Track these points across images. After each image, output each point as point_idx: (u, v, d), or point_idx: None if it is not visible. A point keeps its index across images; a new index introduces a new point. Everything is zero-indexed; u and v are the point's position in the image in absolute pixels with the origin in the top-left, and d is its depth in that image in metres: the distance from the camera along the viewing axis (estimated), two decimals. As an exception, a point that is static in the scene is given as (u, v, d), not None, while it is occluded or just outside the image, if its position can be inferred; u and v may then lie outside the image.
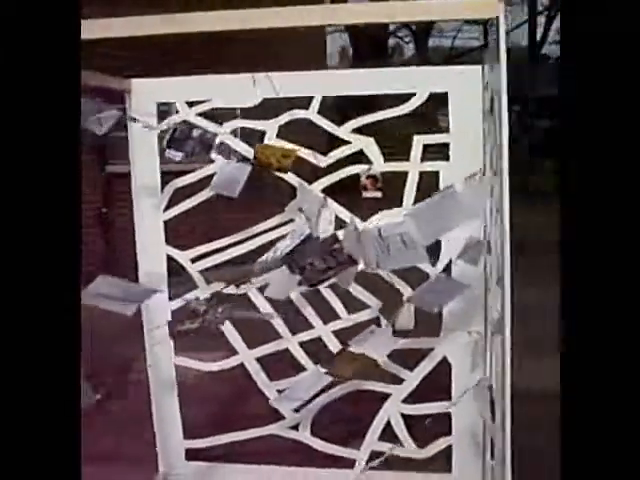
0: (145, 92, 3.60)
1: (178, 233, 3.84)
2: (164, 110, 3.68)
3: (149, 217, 3.64)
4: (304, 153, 3.50)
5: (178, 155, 3.15)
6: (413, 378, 3.53)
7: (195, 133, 3.09)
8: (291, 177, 3.46)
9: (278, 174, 3.35)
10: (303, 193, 3.32)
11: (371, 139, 3.45)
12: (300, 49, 10.73)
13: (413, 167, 3.45)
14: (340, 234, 3.04)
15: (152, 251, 3.64)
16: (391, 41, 27.78)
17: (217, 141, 3.51)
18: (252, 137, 3.57)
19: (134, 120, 3.32)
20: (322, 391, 3.49)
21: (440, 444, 3.51)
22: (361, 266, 2.91)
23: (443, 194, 2.60)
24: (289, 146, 3.39)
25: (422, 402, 3.53)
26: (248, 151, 3.37)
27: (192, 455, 3.76)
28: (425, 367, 3.51)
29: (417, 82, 3.34)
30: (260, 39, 7.67)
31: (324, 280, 2.89)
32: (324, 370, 3.22)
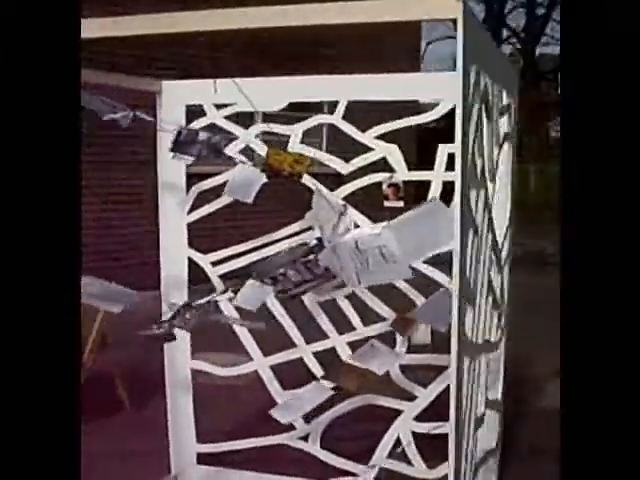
0: (174, 94, 3.61)
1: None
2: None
3: (173, 219, 3.64)
4: (326, 159, 3.45)
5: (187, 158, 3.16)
6: (426, 396, 3.40)
7: (201, 137, 3.06)
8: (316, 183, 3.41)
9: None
10: (318, 200, 3.26)
11: (394, 146, 3.35)
12: (391, 52, 10.72)
13: (436, 177, 3.33)
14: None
15: (174, 253, 3.64)
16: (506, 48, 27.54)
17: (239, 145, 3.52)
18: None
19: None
20: (333, 404, 3.43)
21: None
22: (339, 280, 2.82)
23: (427, 207, 2.48)
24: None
25: (435, 421, 3.40)
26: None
27: (204, 459, 3.75)
28: (439, 385, 3.38)
29: (444, 88, 3.21)
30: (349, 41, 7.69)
31: (301, 293, 2.82)
32: (329, 384, 3.13)
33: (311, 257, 2.76)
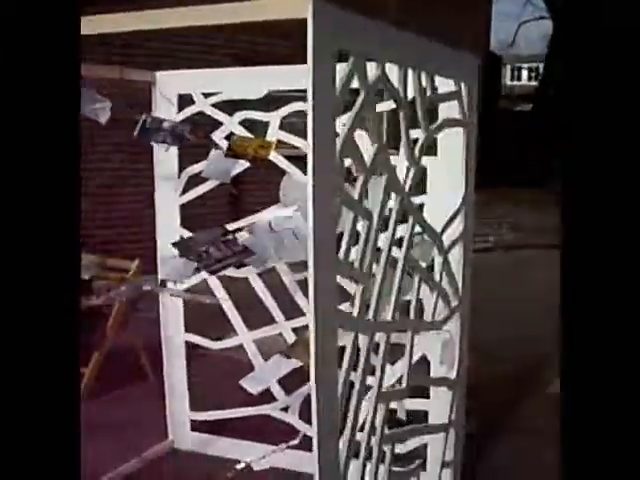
0: (168, 84, 3.83)
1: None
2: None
3: (168, 201, 3.89)
4: (300, 144, 3.61)
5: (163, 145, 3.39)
6: (395, 372, 3.52)
7: (166, 125, 3.28)
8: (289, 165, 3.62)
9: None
10: (288, 181, 3.43)
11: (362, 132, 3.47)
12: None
13: (401, 161, 3.45)
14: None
15: (169, 232, 3.88)
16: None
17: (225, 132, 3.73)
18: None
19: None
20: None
21: (417, 441, 3.49)
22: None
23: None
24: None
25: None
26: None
27: (196, 426, 4.01)
28: (405, 363, 3.50)
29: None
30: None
31: (222, 268, 3.01)
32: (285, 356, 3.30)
33: (230, 236, 2.96)
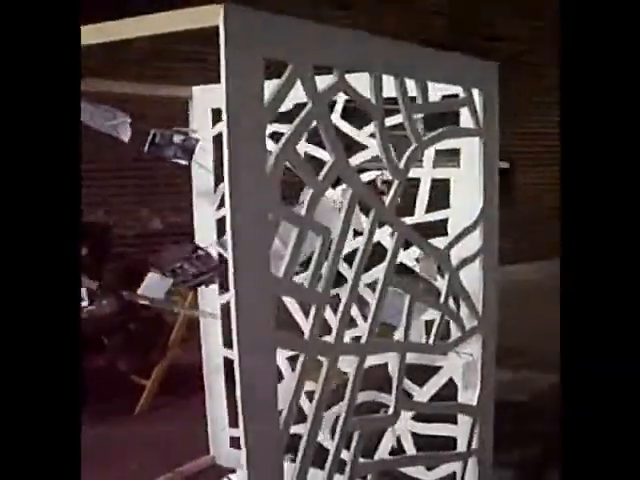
0: (203, 99, 3.81)
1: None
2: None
3: (205, 216, 3.86)
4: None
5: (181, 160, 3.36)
6: (423, 395, 3.36)
7: (176, 140, 3.25)
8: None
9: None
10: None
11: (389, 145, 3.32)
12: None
13: (426, 174, 3.30)
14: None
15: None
16: None
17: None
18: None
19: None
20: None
21: (447, 468, 3.30)
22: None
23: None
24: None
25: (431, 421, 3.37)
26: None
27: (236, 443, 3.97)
28: (434, 385, 3.33)
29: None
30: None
31: (198, 284, 2.94)
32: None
33: (201, 252, 2.90)
